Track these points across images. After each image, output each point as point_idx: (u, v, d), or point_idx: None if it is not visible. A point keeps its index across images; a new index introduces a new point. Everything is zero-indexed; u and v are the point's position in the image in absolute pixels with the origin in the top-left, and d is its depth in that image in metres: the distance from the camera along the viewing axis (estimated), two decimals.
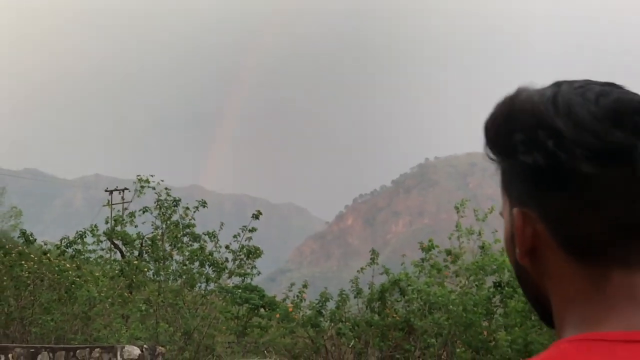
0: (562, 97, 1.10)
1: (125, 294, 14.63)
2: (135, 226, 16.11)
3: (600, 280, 1.09)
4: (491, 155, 1.18)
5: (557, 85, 1.14)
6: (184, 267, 14.69)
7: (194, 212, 15.17)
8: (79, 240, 16.48)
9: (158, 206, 15.13)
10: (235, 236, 14.89)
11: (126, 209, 18.31)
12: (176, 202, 15.18)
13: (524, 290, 1.24)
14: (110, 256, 19.40)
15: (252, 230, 14.97)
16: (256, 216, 15.14)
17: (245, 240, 14.87)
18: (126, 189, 42.61)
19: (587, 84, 1.12)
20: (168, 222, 15.02)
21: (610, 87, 1.12)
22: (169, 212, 15.05)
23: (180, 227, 14.99)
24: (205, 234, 15.10)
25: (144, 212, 15.32)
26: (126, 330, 13.36)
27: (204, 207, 15.27)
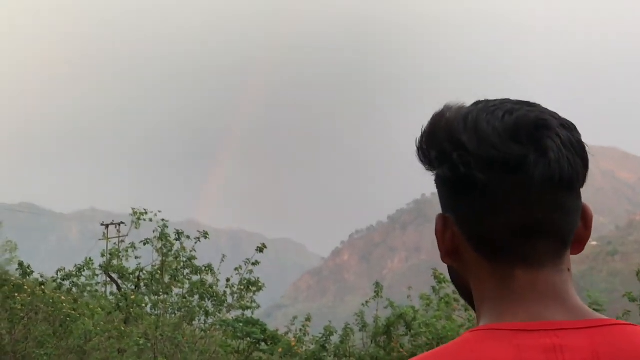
0: (472, 115, 1.26)
1: (122, 328, 14.25)
2: (136, 258, 15.80)
3: (506, 277, 1.25)
4: (424, 166, 1.35)
5: (476, 103, 1.31)
6: (184, 300, 14.35)
7: (196, 243, 14.85)
8: (77, 273, 16.14)
9: (160, 238, 14.79)
10: (237, 269, 14.59)
11: (123, 241, 17.99)
12: (179, 234, 14.86)
13: (456, 286, 1.41)
14: (105, 290, 19.09)
15: (255, 263, 14.65)
16: (260, 249, 14.83)
17: (247, 274, 14.56)
18: (122, 222, 42.49)
19: (501, 103, 1.28)
20: (169, 254, 14.68)
21: (521, 106, 1.27)
22: (170, 244, 14.72)
23: (182, 259, 14.66)
24: (205, 267, 14.78)
25: (145, 243, 14.99)
26: None
27: (206, 238, 14.96)
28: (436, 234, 1.34)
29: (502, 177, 1.21)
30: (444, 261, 1.36)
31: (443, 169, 1.28)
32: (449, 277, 1.45)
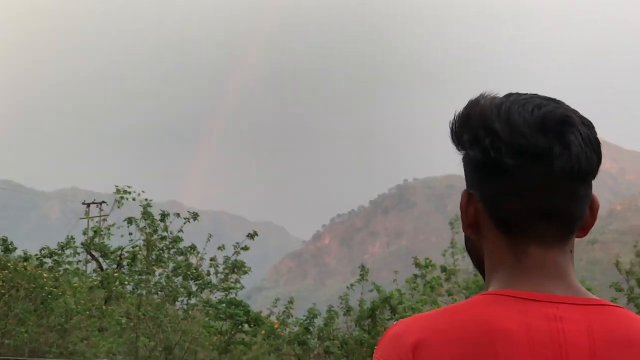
0: (506, 106, 1.43)
1: (103, 307, 14.08)
2: (122, 236, 15.57)
3: (519, 252, 1.43)
4: (455, 146, 1.51)
5: (508, 95, 1.48)
6: (167, 280, 14.17)
7: (185, 224, 14.65)
8: (60, 251, 15.91)
9: (143, 217, 14.56)
10: (220, 247, 14.42)
11: (105, 220, 17.75)
12: (164, 215, 14.63)
13: (469, 254, 1.58)
14: (86, 268, 18.88)
15: (245, 248, 14.50)
16: (251, 236, 14.68)
17: (234, 256, 14.41)
18: (104, 202, 42.14)
19: (531, 97, 1.46)
20: (154, 234, 14.45)
21: (548, 102, 1.45)
22: (156, 223, 14.49)
23: (167, 240, 14.46)
24: (189, 247, 14.59)
25: (129, 223, 14.71)
26: (104, 344, 12.83)
27: (196, 219, 14.78)
28: (460, 207, 1.50)
29: (528, 164, 1.38)
30: (465, 232, 1.52)
31: (475, 151, 1.43)
32: (464, 246, 1.61)
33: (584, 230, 1.47)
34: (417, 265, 13.01)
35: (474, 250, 1.55)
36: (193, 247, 14.62)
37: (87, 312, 13.96)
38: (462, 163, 1.52)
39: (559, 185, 1.39)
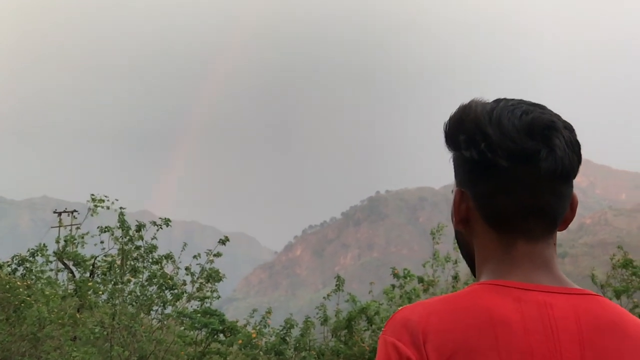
0: (497, 111, 1.60)
1: (77, 316, 13.92)
2: (97, 244, 15.38)
3: (509, 246, 1.61)
4: (447, 147, 1.68)
5: (497, 101, 1.65)
6: (142, 289, 14.03)
7: (158, 230, 14.52)
8: (31, 258, 15.73)
9: (120, 227, 14.42)
10: (195, 256, 14.33)
11: (79, 228, 17.56)
12: (140, 226, 14.50)
13: (460, 249, 1.77)
14: (57, 277, 18.70)
15: (218, 255, 14.41)
16: (223, 242, 14.60)
17: (208, 263, 14.31)
18: (75, 210, 41.82)
19: (518, 103, 1.63)
20: (129, 243, 14.31)
21: (534, 108, 1.62)
22: (131, 232, 14.35)
23: (143, 249, 14.32)
24: (165, 256, 14.47)
25: (103, 231, 14.55)
26: (77, 354, 12.69)
27: (168, 225, 14.67)
28: (453, 205, 1.69)
29: (517, 165, 1.56)
30: (456, 227, 1.71)
31: (471, 152, 1.60)
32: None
33: (565, 224, 1.68)
34: (396, 275, 13.01)
35: (464, 244, 1.75)
36: (170, 256, 14.48)
37: (60, 321, 13.79)
38: (452, 162, 1.71)
39: (544, 185, 1.58)
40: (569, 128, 1.63)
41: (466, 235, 1.71)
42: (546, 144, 1.56)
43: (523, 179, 1.57)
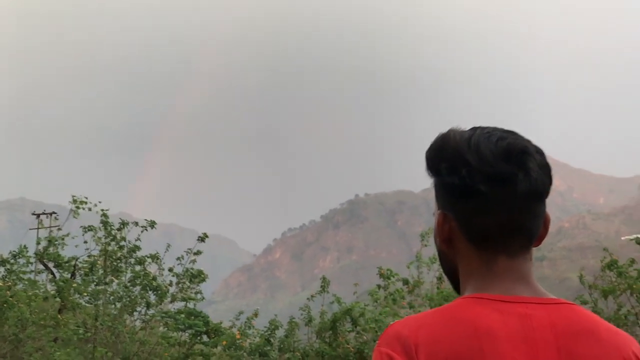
0: (474, 139, 1.75)
1: (59, 317, 13.81)
2: (76, 246, 15.24)
3: (490, 262, 1.76)
4: (429, 174, 1.84)
5: (474, 129, 1.80)
6: (125, 290, 13.94)
7: (142, 232, 14.43)
8: (13, 259, 15.59)
9: (104, 227, 14.32)
10: (179, 258, 14.25)
11: (60, 229, 17.42)
12: (123, 224, 14.40)
13: (443, 267, 1.92)
14: (37, 279, 18.55)
15: (198, 253, 14.34)
16: (202, 239, 14.53)
17: (190, 263, 14.23)
18: (54, 212, 41.66)
19: (493, 130, 1.79)
20: (112, 242, 14.21)
21: (508, 134, 1.78)
22: (114, 232, 14.25)
23: (126, 248, 14.23)
24: (149, 257, 14.38)
25: (87, 230, 14.42)
26: (60, 355, 12.59)
27: (153, 227, 14.58)
28: (437, 226, 1.85)
29: (496, 188, 1.72)
30: (440, 248, 1.87)
31: (453, 178, 1.76)
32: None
33: (539, 240, 1.84)
34: (382, 275, 12.98)
35: (447, 262, 1.89)
36: (156, 256, 14.39)
37: (42, 322, 13.68)
38: (434, 187, 1.86)
39: (521, 205, 1.74)
40: (540, 152, 1.80)
41: (449, 254, 1.86)
42: (521, 168, 1.73)
43: (502, 200, 1.73)
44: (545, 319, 1.69)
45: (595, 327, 1.72)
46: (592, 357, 1.67)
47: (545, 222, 1.83)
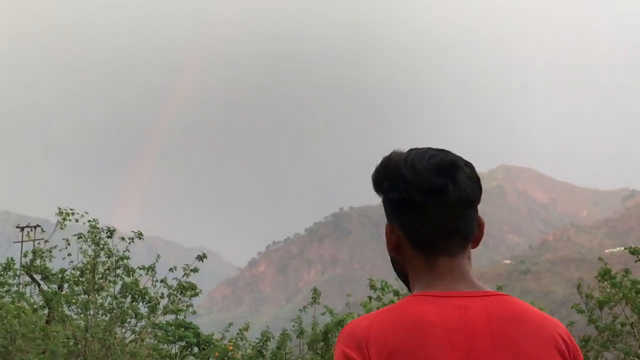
0: (410, 158, 2.03)
1: (48, 328, 13.70)
2: (63, 259, 15.09)
3: (432, 263, 2.02)
4: (377, 193, 2.11)
5: (411, 150, 2.08)
6: (115, 301, 13.82)
7: (129, 243, 14.32)
8: (2, 271, 15.45)
9: (92, 236, 14.19)
10: (171, 269, 14.14)
11: (47, 241, 17.30)
12: (111, 232, 14.29)
13: (396, 272, 2.17)
14: (24, 291, 18.40)
15: (195, 270, 14.20)
16: (201, 258, 14.39)
17: (185, 277, 14.10)
18: (38, 225, 41.48)
19: (427, 150, 2.07)
20: (101, 252, 14.08)
21: (440, 152, 2.06)
22: (103, 242, 14.13)
23: (114, 257, 14.10)
24: (141, 268, 14.26)
25: (78, 237, 14.29)
26: None
27: (140, 239, 14.47)
28: (386, 236, 2.11)
29: (431, 199, 1.98)
30: (390, 254, 2.12)
31: (393, 193, 2.04)
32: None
33: (476, 241, 2.10)
34: (372, 287, 12.98)
35: (398, 267, 2.15)
36: (151, 267, 14.25)
37: (31, 335, 13.56)
38: (382, 204, 2.11)
39: (454, 211, 2.00)
40: (469, 166, 2.07)
41: (399, 260, 2.12)
42: (451, 180, 1.99)
43: (436, 209, 1.99)
44: (480, 309, 1.94)
45: (525, 313, 1.98)
46: (522, 337, 1.93)
47: (479, 225, 2.09)
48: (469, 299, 1.96)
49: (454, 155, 2.08)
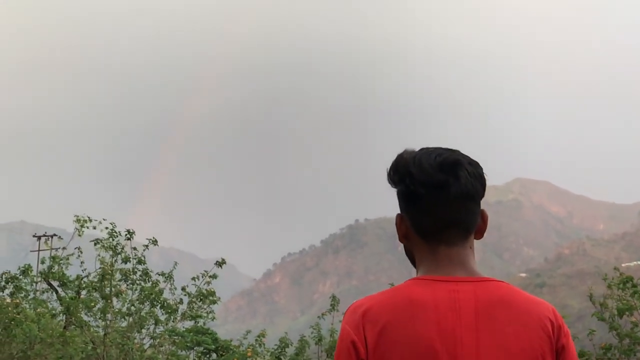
0: (418, 156, 2.25)
1: (66, 334, 13.73)
2: (80, 266, 15.08)
3: (434, 251, 2.24)
4: (390, 185, 2.34)
5: (421, 149, 2.30)
6: (133, 307, 13.81)
7: (144, 250, 14.32)
8: (21, 276, 15.51)
9: (110, 238, 14.19)
10: (194, 278, 14.14)
11: (65, 248, 17.32)
12: (130, 234, 14.29)
13: (407, 256, 2.38)
14: (37, 297, 18.45)
15: (213, 277, 14.22)
16: (220, 264, 14.41)
17: (205, 284, 14.11)
18: (55, 234, 41.60)
19: (435, 149, 2.28)
20: (119, 256, 14.07)
21: (446, 151, 2.27)
22: (120, 246, 14.13)
23: (133, 262, 14.09)
24: (160, 274, 14.27)
25: (96, 243, 14.28)
26: None
27: (155, 245, 14.50)
28: (396, 225, 2.35)
29: (433, 192, 2.20)
30: (400, 241, 2.36)
31: (401, 187, 2.28)
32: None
33: (480, 232, 2.32)
34: None
35: (408, 253, 2.38)
36: (170, 275, 14.25)
37: (49, 340, 13.58)
38: (397, 196, 2.32)
39: (455, 204, 2.20)
40: (473, 164, 2.26)
41: (408, 246, 2.36)
42: (453, 175, 2.19)
43: (438, 201, 2.20)
44: (470, 292, 2.15)
45: (511, 296, 2.17)
46: (506, 320, 2.13)
47: (482, 216, 2.30)
48: (462, 283, 2.17)
49: (460, 154, 2.28)
